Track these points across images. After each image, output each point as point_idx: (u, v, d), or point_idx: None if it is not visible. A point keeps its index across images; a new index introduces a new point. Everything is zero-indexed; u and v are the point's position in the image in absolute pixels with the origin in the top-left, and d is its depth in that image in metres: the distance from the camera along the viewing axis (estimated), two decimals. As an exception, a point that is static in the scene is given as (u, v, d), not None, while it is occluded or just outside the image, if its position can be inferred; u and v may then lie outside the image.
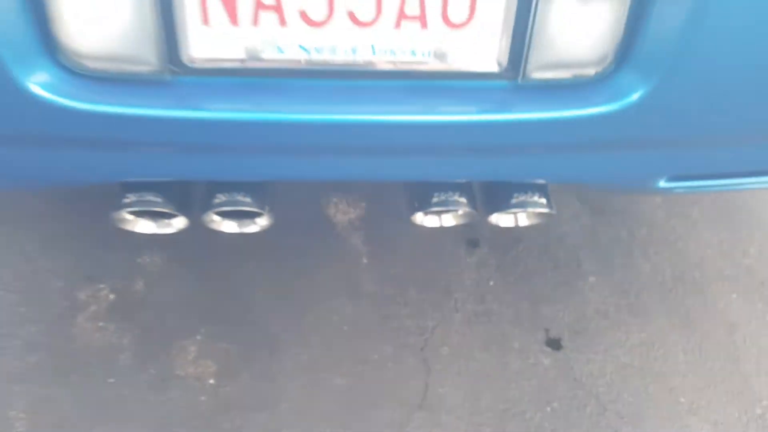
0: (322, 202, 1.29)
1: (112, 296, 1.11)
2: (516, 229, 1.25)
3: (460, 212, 0.87)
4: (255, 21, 0.61)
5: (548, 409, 1.03)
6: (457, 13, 0.61)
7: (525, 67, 0.65)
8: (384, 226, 1.26)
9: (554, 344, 1.11)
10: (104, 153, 0.69)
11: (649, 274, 1.24)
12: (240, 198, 0.79)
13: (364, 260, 1.21)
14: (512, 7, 0.61)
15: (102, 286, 1.12)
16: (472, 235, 1.26)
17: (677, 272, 1.24)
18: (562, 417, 1.02)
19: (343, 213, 1.28)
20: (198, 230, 1.10)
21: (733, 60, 0.64)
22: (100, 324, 1.07)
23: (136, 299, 1.11)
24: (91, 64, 0.62)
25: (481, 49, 0.64)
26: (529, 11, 0.62)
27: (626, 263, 1.25)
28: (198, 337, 1.07)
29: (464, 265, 1.22)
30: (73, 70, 0.62)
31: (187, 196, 0.82)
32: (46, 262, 1.15)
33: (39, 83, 0.60)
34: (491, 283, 1.19)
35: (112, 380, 1.01)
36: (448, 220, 0.89)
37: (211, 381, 1.02)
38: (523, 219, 0.90)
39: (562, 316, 1.15)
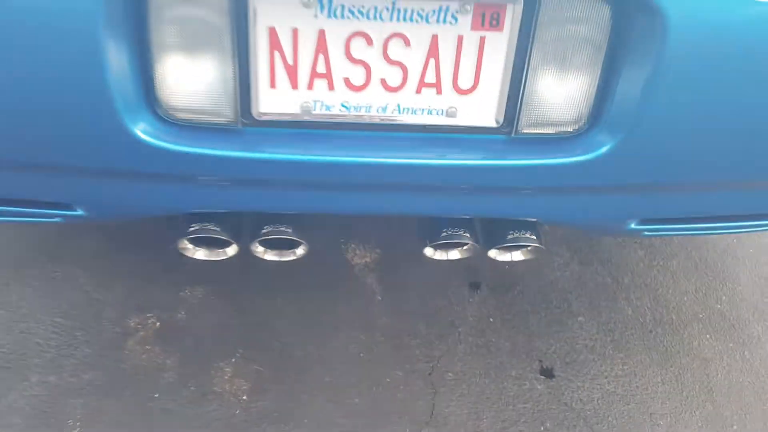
0: (342, 247, 1.46)
1: (158, 324, 1.26)
2: (513, 274, 1.42)
3: (465, 247, 1.04)
4: (310, 86, 0.79)
5: (542, 428, 1.16)
6: (465, 82, 0.80)
7: (517, 124, 0.83)
8: (395, 269, 1.42)
9: (547, 373, 1.25)
10: (184, 186, 0.86)
11: (632, 315, 1.39)
12: (283, 229, 0.96)
13: (378, 297, 1.36)
14: (507, 78, 0.80)
15: (149, 315, 1.28)
16: (474, 279, 1.42)
17: (657, 315, 1.40)
18: (555, 435, 1.15)
19: (360, 257, 1.45)
20: (233, 268, 1.27)
21: (684, 120, 0.82)
22: (147, 347, 1.22)
23: (178, 326, 1.26)
24: (182, 116, 0.80)
25: (483, 110, 0.82)
26: (520, 82, 0.80)
27: (611, 306, 1.40)
28: (233, 360, 1.21)
29: (467, 303, 1.37)
30: (167, 119, 0.80)
31: (239, 227, 0.99)
32: (99, 294, 1.31)
33: (142, 130, 0.77)
34: (491, 319, 1.34)
35: (157, 395, 1.15)
36: (454, 254, 1.05)
37: (245, 397, 1.16)
38: (518, 255, 1.06)
39: (554, 349, 1.30)
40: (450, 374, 1.22)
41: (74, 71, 0.72)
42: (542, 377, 1.24)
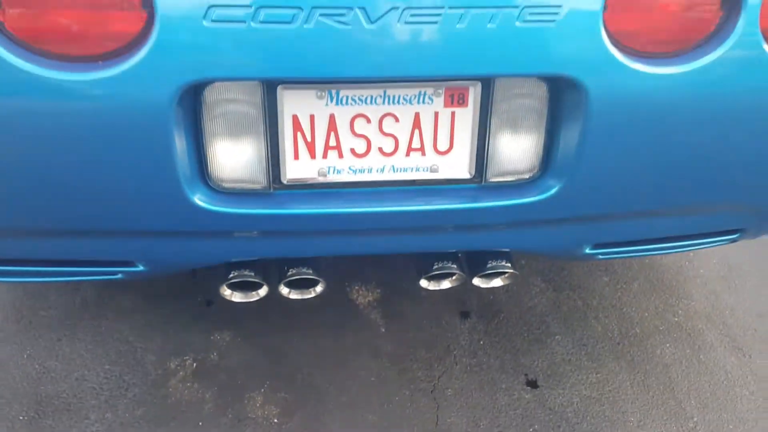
0: (347, 289, 1.68)
1: (194, 364, 1.46)
2: (497, 303, 1.64)
3: (453, 277, 1.26)
4: (324, 156, 1.03)
5: (531, 430, 1.37)
6: (442, 146, 1.05)
7: (485, 175, 1.07)
8: (395, 304, 1.64)
9: (532, 384, 1.46)
10: (227, 240, 1.09)
11: (601, 331, 1.61)
12: (305, 270, 1.18)
13: (382, 329, 1.57)
14: (475, 141, 1.04)
15: (186, 357, 1.48)
16: (463, 309, 1.64)
17: (623, 330, 1.62)
18: (541, 434, 1.36)
19: (363, 296, 1.66)
20: (253, 312, 1.49)
21: (610, 164, 1.05)
22: (188, 384, 1.42)
23: (212, 365, 1.46)
24: (227, 185, 1.03)
25: (458, 166, 1.06)
26: (485, 143, 1.05)
27: (583, 325, 1.62)
28: (262, 390, 1.41)
29: (459, 330, 1.58)
30: (216, 189, 1.03)
31: (267, 272, 1.21)
32: (141, 343, 1.51)
33: (198, 198, 1.00)
34: (481, 342, 1.55)
35: (200, 423, 1.34)
36: (445, 284, 1.28)
37: (275, 420, 1.35)
38: (498, 281, 1.29)
39: (537, 364, 1.51)
40: (449, 390, 1.43)
41: (148, 155, 0.95)
42: (528, 388, 1.45)
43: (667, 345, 1.58)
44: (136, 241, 1.10)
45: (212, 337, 1.53)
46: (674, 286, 1.76)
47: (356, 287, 1.69)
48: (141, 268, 1.15)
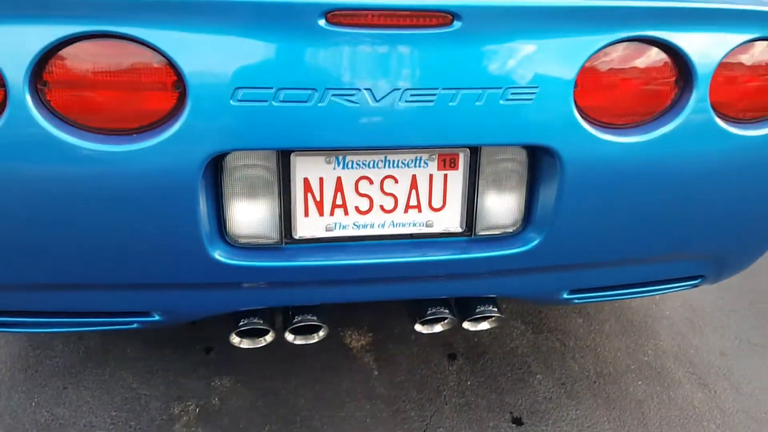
0: (341, 335, 1.77)
1: (197, 409, 1.53)
2: (481, 345, 1.75)
3: (445, 321, 1.37)
4: (332, 213, 1.15)
5: (517, 465, 1.47)
6: (436, 204, 1.17)
7: (475, 228, 1.20)
8: (386, 348, 1.74)
9: (517, 421, 1.56)
10: (241, 291, 1.19)
11: (578, 371, 1.73)
12: (310, 317, 1.29)
13: (375, 372, 1.67)
14: (465, 199, 1.17)
15: (189, 402, 1.55)
16: (451, 351, 1.75)
17: (598, 369, 1.74)
18: (527, 469, 1.45)
19: (356, 341, 1.76)
20: (250, 359, 1.57)
21: (584, 219, 1.19)
22: (192, 428, 1.49)
23: (215, 410, 1.53)
24: (243, 241, 1.14)
25: (451, 221, 1.19)
26: (474, 201, 1.18)
27: (561, 364, 1.74)
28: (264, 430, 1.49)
29: (448, 372, 1.69)
30: (233, 244, 1.14)
31: (273, 320, 1.31)
32: (145, 390, 1.58)
33: (217, 253, 1.11)
34: (468, 383, 1.66)
35: (206, 465, 1.41)
36: (438, 328, 1.39)
37: (278, 461, 1.43)
38: (485, 324, 1.41)
39: (520, 402, 1.61)
40: (441, 429, 1.52)
41: (175, 216, 1.05)
42: (514, 425, 1.55)
43: (639, 382, 1.70)
44: (155, 293, 1.20)
45: (213, 383, 1.61)
46: (643, 328, 1.89)
47: (349, 332, 1.78)
48: (157, 317, 1.24)
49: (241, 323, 1.27)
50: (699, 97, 1.12)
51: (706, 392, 1.68)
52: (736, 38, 1.10)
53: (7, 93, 0.96)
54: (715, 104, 1.13)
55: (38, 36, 0.95)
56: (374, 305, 1.80)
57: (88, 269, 1.11)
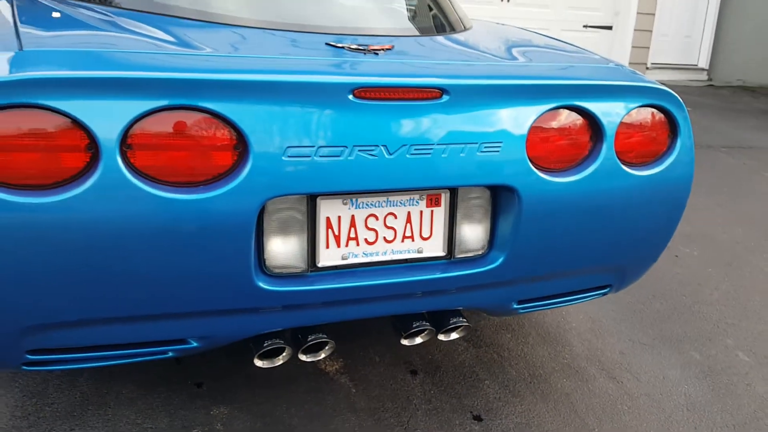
0: (315, 362, 2.01)
1: (204, 434, 1.70)
2: (435, 361, 2.06)
3: (425, 333, 1.68)
4: (347, 245, 1.43)
5: (483, 451, 1.77)
6: (425, 234, 1.50)
7: (454, 252, 1.53)
8: (358, 370, 2.00)
9: (478, 418, 1.87)
10: (271, 314, 1.42)
11: (516, 375, 2.08)
12: (321, 335, 1.54)
13: (353, 390, 1.92)
14: (446, 230, 1.51)
15: (194, 430, 1.71)
16: (412, 368, 2.04)
17: (530, 372, 2.10)
18: (492, 453, 1.76)
19: (331, 366, 2.01)
20: (241, 387, 1.78)
21: (537, 241, 1.57)
22: (204, 450, 1.65)
23: (221, 433, 1.71)
24: (277, 270, 1.39)
25: (436, 247, 1.52)
26: (453, 231, 1.52)
27: (502, 371, 2.09)
28: (270, 446, 1.68)
29: (413, 384, 1.98)
30: (269, 274, 1.38)
31: (288, 340, 1.55)
32: (150, 423, 1.72)
33: (259, 281, 1.35)
34: (432, 391, 1.95)
35: (224, 480, 1.58)
36: (419, 339, 1.69)
37: (287, 469, 1.63)
38: (455, 334, 1.73)
39: (476, 403, 1.93)
40: (418, 430, 1.80)
41: (233, 251, 1.29)
42: (475, 421, 1.86)
43: (564, 380, 2.08)
44: (195, 321, 1.40)
45: (212, 412, 1.78)
46: (558, 337, 2.30)
47: (323, 359, 2.03)
48: (194, 344, 1.44)
49: (265, 344, 1.50)
50: (607, 147, 1.54)
51: (615, 383, 2.09)
52: (630, 105, 1.55)
53: (100, 154, 1.17)
54: (618, 153, 1.57)
55: (128, 108, 1.18)
56: (340, 334, 2.06)
57: (150, 301, 1.31)
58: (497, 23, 2.58)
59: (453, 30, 1.99)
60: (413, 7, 2.04)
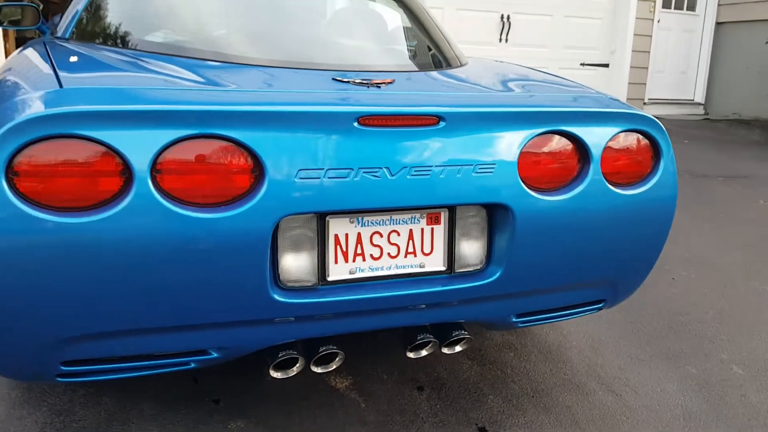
0: (325, 379, 2.11)
1: (222, 446, 1.80)
2: (441, 378, 2.15)
3: (429, 345, 1.78)
4: (354, 260, 1.56)
5: (488, 460, 1.85)
6: (426, 250, 1.62)
7: (453, 267, 1.65)
8: (366, 386, 2.09)
9: (482, 430, 1.96)
10: (286, 325, 1.54)
11: (519, 390, 2.17)
12: (332, 346, 1.65)
13: (362, 405, 2.02)
14: (446, 246, 1.63)
15: (213, 442, 1.81)
16: (418, 384, 2.14)
17: (533, 387, 2.19)
18: (496, 462, 1.84)
19: (340, 383, 2.11)
20: (255, 402, 1.88)
21: (531, 257, 1.69)
22: (222, 461, 1.75)
23: (238, 445, 1.81)
24: (290, 284, 1.51)
25: (436, 262, 1.64)
26: (453, 247, 1.64)
27: (505, 387, 2.18)
28: (285, 457, 1.77)
29: (420, 399, 2.07)
30: (283, 288, 1.50)
31: (300, 351, 1.65)
32: (171, 436, 1.82)
33: (274, 293, 1.47)
34: (438, 406, 2.05)
35: (242, 487, 1.67)
36: (424, 352, 1.79)
37: (301, 477, 1.72)
38: (458, 347, 1.83)
39: (481, 416, 2.02)
40: (424, 441, 1.89)
41: (251, 266, 1.41)
42: (481, 430, 1.95)
43: (565, 394, 2.17)
44: (215, 332, 1.52)
45: (230, 426, 1.88)
46: (559, 354, 2.39)
47: (332, 377, 2.13)
48: (215, 355, 1.56)
49: (280, 354, 1.61)
50: (594, 169, 1.68)
51: (614, 396, 2.18)
52: (615, 130, 1.69)
53: (133, 178, 1.31)
54: (605, 174, 1.70)
55: (158, 137, 1.32)
56: (349, 352, 2.16)
57: (176, 313, 1.43)
58: (493, 60, 2.75)
59: (449, 65, 2.15)
60: (413, 46, 2.21)
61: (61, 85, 1.38)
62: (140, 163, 1.31)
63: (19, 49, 2.14)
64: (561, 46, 7.59)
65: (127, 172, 1.31)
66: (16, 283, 1.30)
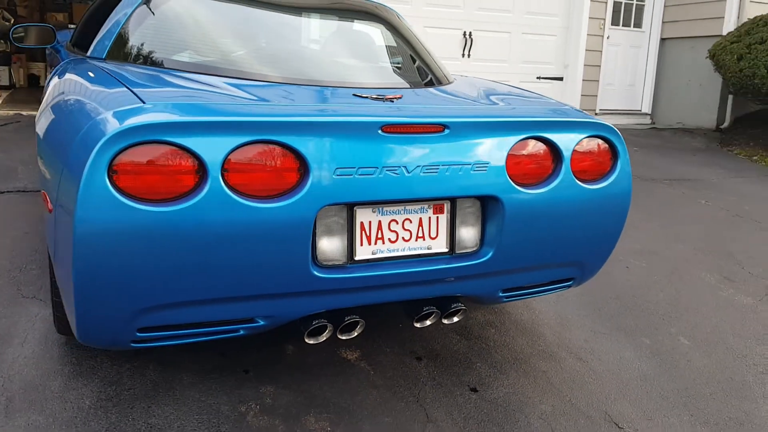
0: (337, 353, 2.44)
1: (257, 406, 2.10)
2: (435, 350, 2.51)
3: (432, 316, 2.14)
4: (375, 243, 1.90)
5: (484, 410, 2.21)
6: (433, 235, 1.97)
7: (454, 249, 2.01)
8: (372, 357, 2.43)
9: (474, 390, 2.31)
10: (321, 297, 1.87)
11: (501, 359, 2.53)
12: (355, 316, 1.98)
13: (372, 372, 2.35)
14: (449, 231, 1.98)
15: (249, 403, 2.11)
16: (417, 355, 2.48)
17: (513, 356, 2.56)
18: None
19: (350, 354, 2.44)
20: (282, 373, 2.20)
21: (519, 239, 2.06)
22: (259, 417, 2.05)
23: (270, 405, 2.11)
24: (325, 263, 1.84)
25: (441, 245, 1.99)
26: (454, 232, 2.00)
27: (489, 357, 2.54)
28: (310, 414, 2.09)
29: (419, 367, 2.41)
30: (319, 266, 1.83)
31: (328, 319, 1.98)
32: (212, 399, 2.12)
33: (314, 270, 1.80)
34: (435, 372, 2.39)
35: (279, 437, 1.99)
36: (428, 322, 2.14)
37: (329, 429, 2.04)
38: (455, 318, 2.19)
39: (471, 379, 2.38)
40: (428, 399, 2.23)
41: (298, 246, 1.74)
42: (472, 392, 2.31)
43: (541, 362, 2.55)
44: (262, 302, 1.84)
45: (260, 390, 2.19)
46: (533, 330, 2.78)
47: (343, 350, 2.46)
48: (261, 323, 1.87)
49: (314, 323, 1.93)
50: (565, 167, 2.06)
51: (582, 363, 2.57)
52: (579, 136, 2.08)
53: (207, 176, 1.63)
54: (574, 172, 2.08)
55: (226, 142, 1.65)
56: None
57: (234, 286, 1.75)
58: (473, 77, 3.14)
59: (440, 83, 2.53)
60: (411, 67, 2.57)
61: (143, 101, 1.69)
62: (213, 163, 1.63)
63: (57, 74, 2.42)
64: (519, 60, 8.09)
65: (201, 170, 1.63)
66: (112, 262, 1.59)
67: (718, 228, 4.42)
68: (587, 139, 2.11)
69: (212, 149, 1.63)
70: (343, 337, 2.04)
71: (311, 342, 1.99)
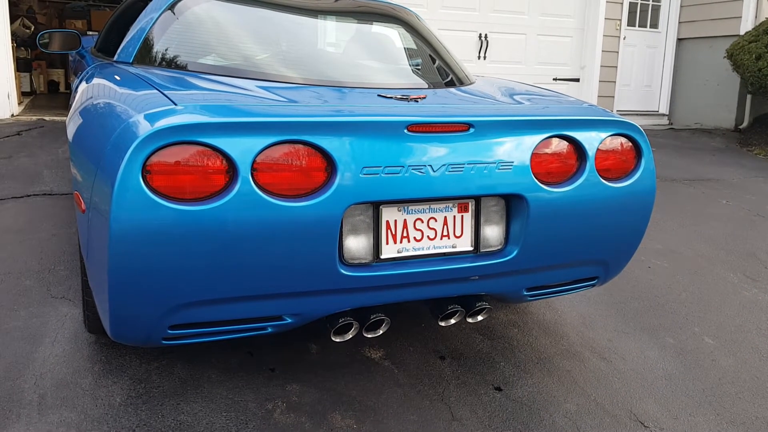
0: (361, 352, 2.46)
1: (284, 404, 2.12)
2: (459, 349, 2.52)
3: (457, 314, 2.15)
4: (401, 241, 1.91)
5: (507, 409, 2.22)
6: (458, 233, 1.98)
7: (479, 247, 2.02)
8: (396, 357, 2.45)
9: (498, 389, 2.32)
10: (346, 294, 1.89)
11: (524, 358, 2.54)
12: (381, 314, 2.00)
13: (396, 371, 2.36)
14: (474, 230, 2.00)
15: (276, 401, 2.14)
16: (440, 355, 2.50)
17: (537, 355, 2.56)
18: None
19: (374, 353, 2.45)
20: (307, 369, 2.22)
21: (544, 238, 2.06)
22: (286, 415, 2.08)
23: (296, 403, 2.13)
24: (351, 261, 1.86)
25: (466, 243, 2.00)
26: (479, 231, 2.01)
27: (513, 356, 2.55)
28: (337, 411, 2.11)
29: (443, 366, 2.43)
30: (346, 264, 1.85)
31: (353, 317, 2.00)
32: (239, 397, 2.14)
33: (341, 268, 1.82)
34: (458, 371, 2.40)
35: (308, 425, 2.01)
36: (452, 321, 2.15)
37: (354, 426, 2.06)
38: (480, 317, 2.20)
39: (495, 378, 2.38)
40: (452, 397, 2.24)
41: (324, 245, 1.76)
42: (497, 390, 2.31)
43: (565, 360, 2.55)
44: (290, 300, 1.86)
45: (287, 388, 2.21)
46: (556, 330, 2.78)
47: (367, 349, 2.48)
48: (288, 320, 1.90)
49: (340, 321, 1.95)
50: (590, 166, 2.07)
51: (606, 362, 2.57)
52: (603, 134, 2.09)
53: (237, 175, 1.66)
54: (598, 170, 2.09)
55: (256, 142, 1.67)
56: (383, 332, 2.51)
57: (264, 284, 1.77)
58: (493, 77, 3.15)
59: (462, 83, 2.54)
60: (434, 68, 2.59)
61: (174, 103, 1.72)
62: (243, 163, 1.65)
63: (84, 79, 2.46)
64: (535, 62, 8.09)
65: (232, 170, 1.66)
66: (145, 260, 1.63)
67: (739, 227, 4.39)
68: (611, 137, 2.11)
69: (242, 149, 1.66)
70: (369, 335, 2.06)
71: (337, 340, 2.01)
